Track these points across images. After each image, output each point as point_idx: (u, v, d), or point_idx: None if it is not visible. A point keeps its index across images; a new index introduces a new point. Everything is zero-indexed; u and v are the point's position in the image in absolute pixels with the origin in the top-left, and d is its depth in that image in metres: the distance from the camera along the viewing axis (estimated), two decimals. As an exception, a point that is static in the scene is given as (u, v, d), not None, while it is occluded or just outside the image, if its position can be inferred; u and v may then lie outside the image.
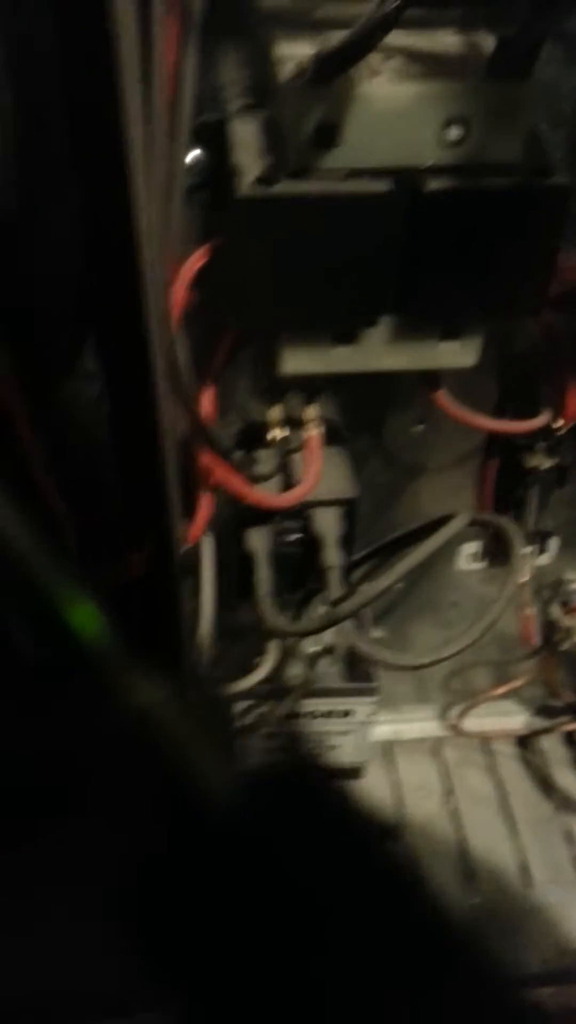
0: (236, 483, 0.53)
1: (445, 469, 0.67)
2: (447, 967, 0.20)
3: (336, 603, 0.54)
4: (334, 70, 0.37)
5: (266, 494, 0.54)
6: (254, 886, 0.20)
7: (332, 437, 0.60)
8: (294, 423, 0.56)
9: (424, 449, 0.65)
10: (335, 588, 0.56)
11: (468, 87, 0.38)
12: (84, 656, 0.22)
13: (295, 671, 0.67)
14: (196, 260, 0.50)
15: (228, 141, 0.45)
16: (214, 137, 0.48)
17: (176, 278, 0.50)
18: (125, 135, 0.31)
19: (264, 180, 0.40)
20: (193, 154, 0.50)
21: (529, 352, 0.58)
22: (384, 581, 0.54)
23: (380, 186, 0.40)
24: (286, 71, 0.40)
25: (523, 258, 0.42)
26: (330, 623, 0.54)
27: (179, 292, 0.50)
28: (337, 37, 0.36)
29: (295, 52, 0.42)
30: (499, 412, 0.62)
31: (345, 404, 0.61)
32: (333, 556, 0.57)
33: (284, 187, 0.40)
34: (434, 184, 0.40)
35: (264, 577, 0.58)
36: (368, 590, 0.54)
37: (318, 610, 0.59)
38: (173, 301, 0.50)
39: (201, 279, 0.51)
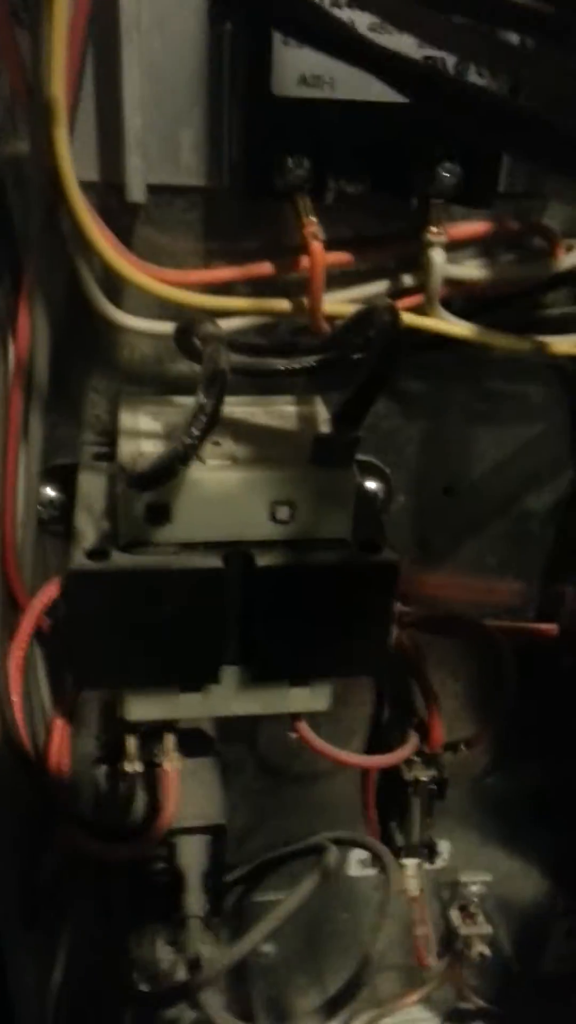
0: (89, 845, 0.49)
1: (325, 776, 0.64)
2: None
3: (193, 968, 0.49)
4: (145, 486, 0.38)
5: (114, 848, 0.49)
6: None
7: (201, 747, 0.57)
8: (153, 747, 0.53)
9: (300, 757, 0.63)
10: (194, 940, 0.51)
11: (293, 474, 0.39)
12: None
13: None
14: (47, 594, 0.49)
15: (75, 495, 0.45)
16: (69, 478, 0.49)
17: (26, 611, 0.49)
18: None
19: (94, 554, 0.40)
20: (48, 492, 0.51)
21: (402, 675, 0.57)
22: (245, 944, 0.49)
23: (210, 561, 0.40)
24: (124, 452, 0.41)
25: (357, 623, 0.42)
26: (183, 997, 0.48)
27: (27, 626, 0.49)
28: (147, 460, 0.37)
29: (138, 426, 0.44)
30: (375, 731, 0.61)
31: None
32: (193, 901, 0.52)
33: (114, 561, 0.40)
34: (263, 559, 0.40)
35: (117, 927, 0.52)
36: (225, 956, 0.49)
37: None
38: (20, 635, 0.48)
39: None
